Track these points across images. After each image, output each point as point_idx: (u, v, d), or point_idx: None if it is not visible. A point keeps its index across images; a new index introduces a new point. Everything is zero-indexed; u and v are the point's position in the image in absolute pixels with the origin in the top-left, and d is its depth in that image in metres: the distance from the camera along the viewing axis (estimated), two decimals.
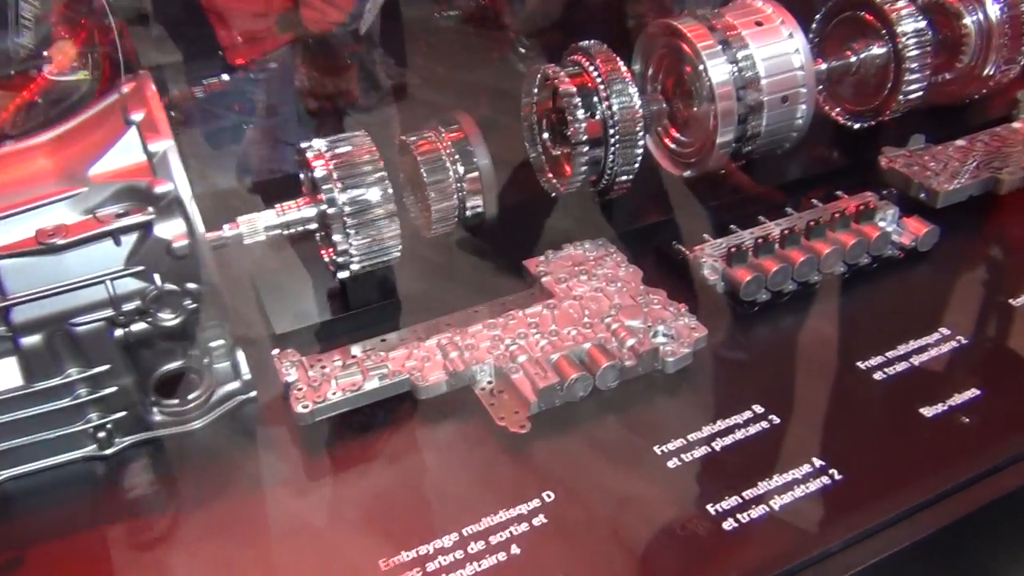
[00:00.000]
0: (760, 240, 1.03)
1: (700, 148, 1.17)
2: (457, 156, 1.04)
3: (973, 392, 0.91)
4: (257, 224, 1.00)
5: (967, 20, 1.29)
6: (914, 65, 1.21)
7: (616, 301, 1.00)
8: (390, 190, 0.98)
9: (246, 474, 0.89)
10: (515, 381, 0.91)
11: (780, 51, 1.12)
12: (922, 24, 1.21)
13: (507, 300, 1.05)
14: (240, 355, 0.96)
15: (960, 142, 1.25)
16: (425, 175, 1.03)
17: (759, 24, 1.14)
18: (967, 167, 1.19)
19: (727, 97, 1.10)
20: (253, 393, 0.95)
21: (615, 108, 1.06)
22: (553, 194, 1.15)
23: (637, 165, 1.10)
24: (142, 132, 0.85)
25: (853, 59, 1.26)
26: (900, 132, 1.31)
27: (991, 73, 1.30)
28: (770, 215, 1.14)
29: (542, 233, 1.19)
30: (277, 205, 1.00)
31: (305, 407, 0.89)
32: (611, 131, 1.07)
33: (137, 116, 0.86)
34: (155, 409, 0.93)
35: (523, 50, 1.56)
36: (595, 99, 1.07)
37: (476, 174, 1.04)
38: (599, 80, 1.07)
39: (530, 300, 1.04)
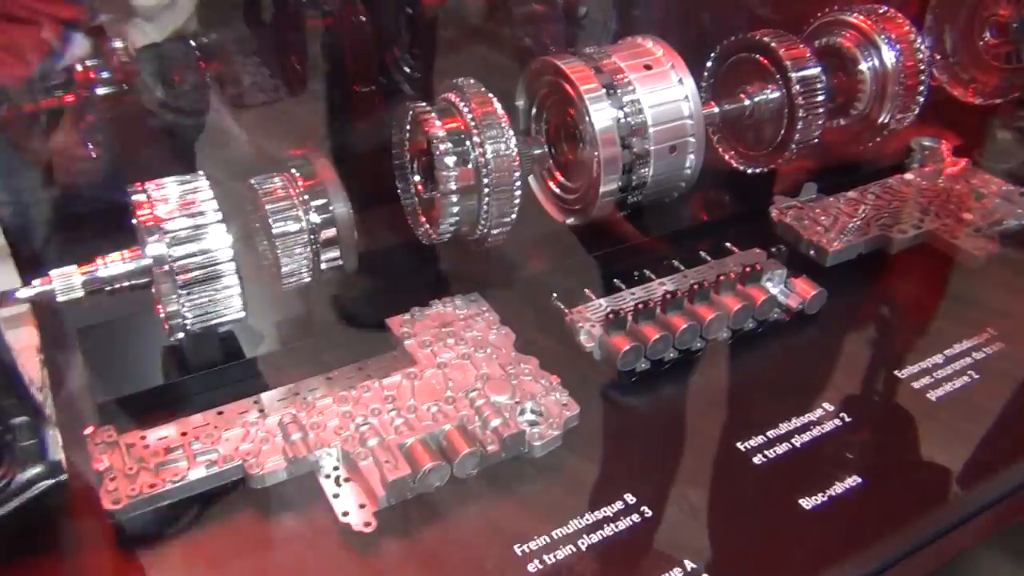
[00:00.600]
0: (640, 305, 0.96)
1: (584, 195, 1.09)
2: (311, 203, 0.94)
3: (854, 480, 0.86)
4: (73, 280, 0.87)
5: (863, 66, 1.24)
6: (807, 112, 1.16)
7: (483, 371, 0.92)
8: (229, 243, 0.87)
9: None
10: (363, 469, 0.81)
11: (669, 98, 1.05)
12: (816, 70, 1.16)
13: (365, 364, 0.95)
14: (50, 433, 0.83)
15: (851, 194, 1.21)
16: (272, 226, 0.92)
17: (648, 68, 1.06)
18: (856, 223, 1.15)
19: (611, 145, 1.02)
20: (63, 478, 0.83)
21: (489, 154, 0.96)
22: (424, 242, 1.06)
23: (514, 215, 1.02)
24: None
25: (747, 103, 1.20)
26: (797, 179, 1.27)
27: (886, 121, 1.26)
28: (658, 267, 1.07)
29: (414, 285, 1.09)
30: (100, 258, 0.88)
31: (116, 502, 0.78)
32: (484, 179, 0.97)
33: None
34: None
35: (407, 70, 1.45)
36: (467, 143, 0.97)
37: (332, 227, 0.94)
38: (472, 122, 0.97)
39: (391, 366, 0.94)
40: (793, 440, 0.90)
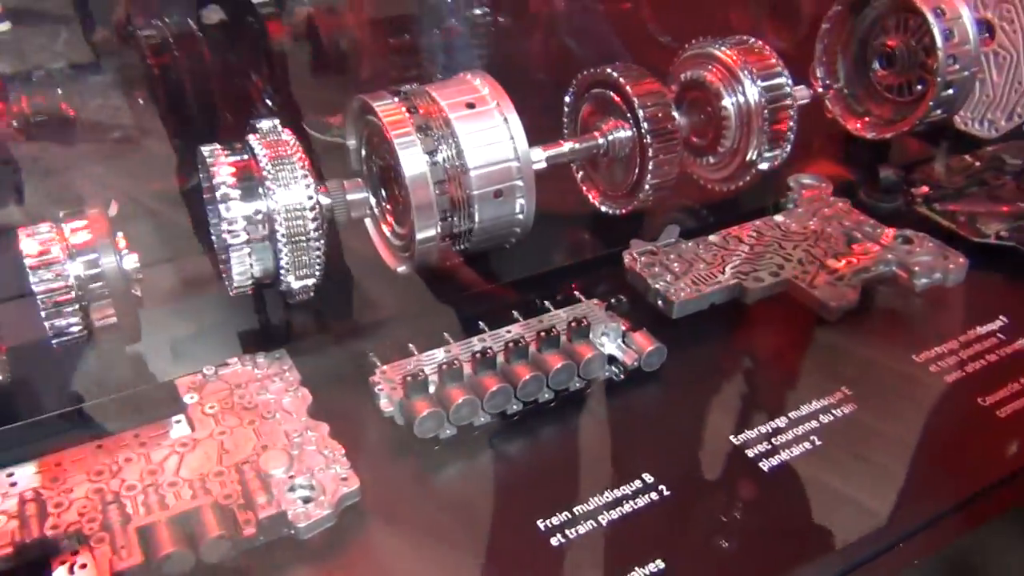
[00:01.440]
0: (447, 365, 0.88)
1: (409, 242, 1.02)
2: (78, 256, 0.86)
3: (656, 566, 0.77)
4: None
5: (726, 102, 1.17)
6: (658, 151, 1.09)
7: (263, 441, 0.84)
8: None
9: None
10: (97, 557, 0.73)
11: (492, 139, 0.98)
12: (665, 107, 1.09)
13: (143, 431, 0.87)
14: None
15: (713, 238, 1.13)
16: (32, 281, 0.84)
17: (471, 107, 0.99)
18: (712, 269, 1.07)
19: (423, 189, 0.94)
20: None
21: (279, 202, 0.89)
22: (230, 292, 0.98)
23: (318, 267, 0.94)
24: None
25: (600, 141, 1.13)
26: (665, 220, 1.19)
27: (754, 158, 1.18)
28: (495, 318, 0.99)
29: (229, 338, 1.01)
30: None
31: None
32: (277, 228, 0.90)
33: None
34: None
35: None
36: (259, 190, 0.90)
37: (100, 282, 0.86)
38: (265, 167, 0.90)
39: (171, 433, 0.86)
40: (600, 518, 0.81)
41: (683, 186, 1.26)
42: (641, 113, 1.08)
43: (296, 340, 1.00)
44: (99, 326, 0.88)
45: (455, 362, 0.89)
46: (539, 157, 1.07)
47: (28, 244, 0.85)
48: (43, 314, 0.85)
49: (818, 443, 0.90)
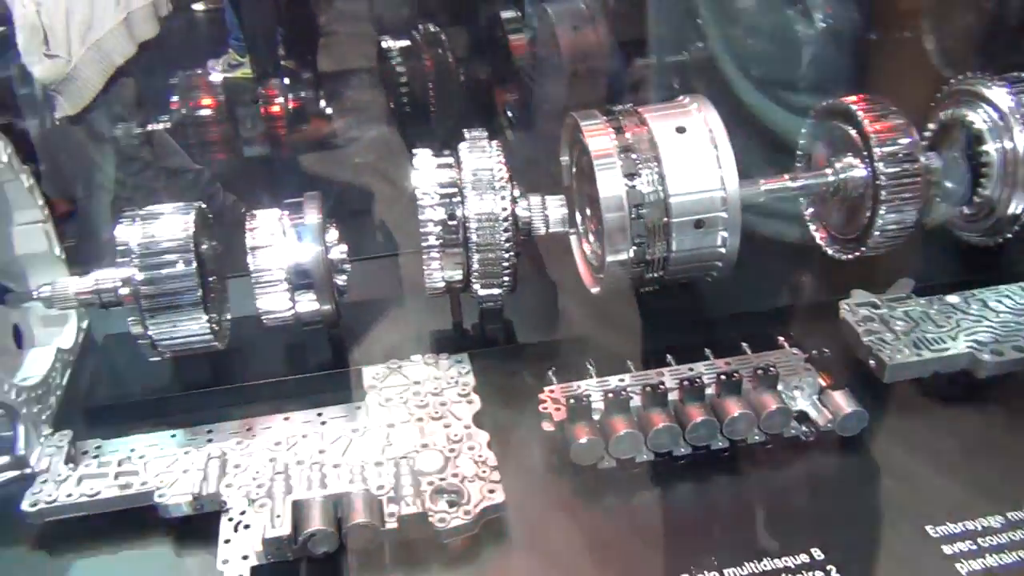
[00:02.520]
0: (614, 394, 0.85)
1: (602, 264, 1.00)
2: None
3: None
4: (68, 289, 0.93)
5: (989, 147, 1.03)
6: (894, 195, 0.98)
7: (425, 440, 0.86)
8: (192, 274, 0.89)
9: None
10: (256, 520, 0.79)
11: (698, 167, 0.93)
12: (907, 147, 0.98)
13: (327, 412, 0.93)
14: (20, 428, 0.89)
15: (952, 298, 1.00)
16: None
17: (681, 131, 0.95)
18: (942, 333, 0.94)
19: (616, 212, 0.92)
20: (28, 471, 0.89)
21: (472, 210, 0.91)
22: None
23: (506, 280, 0.95)
24: None
25: (831, 178, 1.04)
26: (901, 271, 1.07)
27: (1017, 213, 1.03)
28: (686, 353, 0.94)
29: (416, 334, 1.05)
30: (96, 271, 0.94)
31: (33, 504, 0.81)
32: (470, 235, 0.92)
33: None
34: None
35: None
36: (457, 196, 0.93)
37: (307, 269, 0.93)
38: (464, 176, 0.93)
39: (350, 419, 0.91)
40: None
41: (932, 236, 1.14)
42: (877, 152, 0.98)
43: (483, 346, 1.02)
44: (303, 311, 0.95)
45: (624, 392, 0.86)
46: (752, 190, 1.01)
47: (252, 226, 0.94)
48: (256, 292, 0.93)
49: None
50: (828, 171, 1.05)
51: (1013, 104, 1.02)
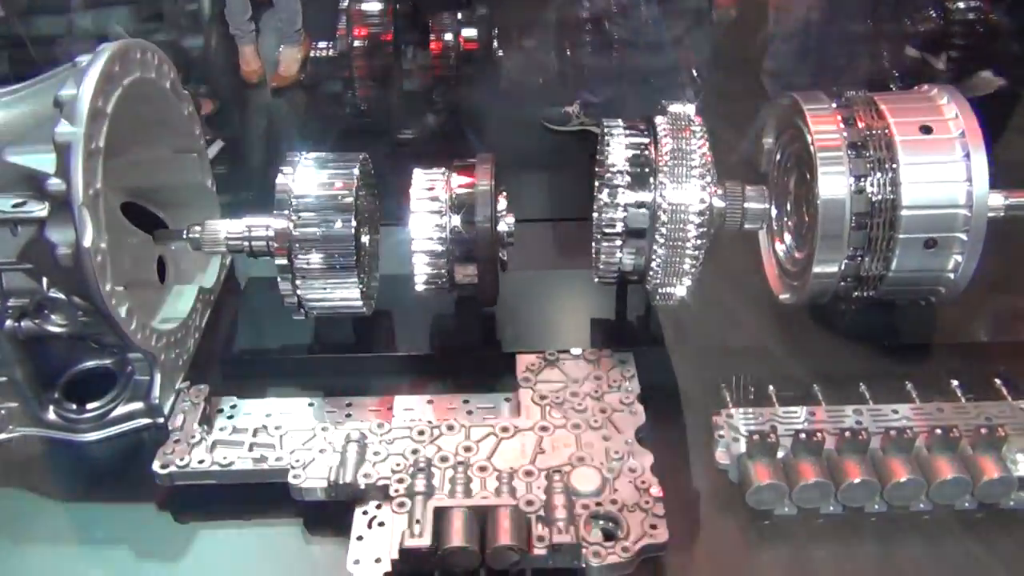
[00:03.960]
0: (807, 435, 0.74)
1: (803, 271, 0.87)
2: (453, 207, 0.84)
3: None
4: (219, 233, 0.88)
5: None
6: None
7: (582, 452, 0.77)
8: (350, 237, 0.82)
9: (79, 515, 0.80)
10: (392, 522, 0.72)
11: (941, 176, 0.79)
12: None
13: (473, 399, 0.85)
14: (158, 376, 0.85)
15: None
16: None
17: (926, 131, 0.80)
18: None
19: (835, 220, 0.79)
20: (160, 420, 0.85)
21: (666, 200, 0.79)
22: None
23: (688, 277, 0.83)
24: (64, 114, 0.75)
25: None
26: None
27: None
28: (884, 386, 0.82)
29: (580, 321, 0.95)
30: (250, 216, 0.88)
31: (164, 467, 0.77)
32: (658, 228, 0.81)
33: (67, 93, 0.75)
34: (51, 408, 0.85)
35: None
36: (651, 181, 0.81)
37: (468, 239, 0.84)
38: (661, 156, 0.81)
39: (496, 410, 0.83)
40: None
41: None
42: None
43: (650, 345, 0.92)
44: (460, 282, 0.87)
45: (818, 434, 0.74)
46: (998, 204, 0.86)
47: (417, 184, 0.85)
48: (412, 257, 0.85)
49: None
50: None
51: None
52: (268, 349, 0.94)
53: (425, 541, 0.69)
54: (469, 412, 0.83)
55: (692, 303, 0.89)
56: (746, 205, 0.86)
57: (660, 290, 0.85)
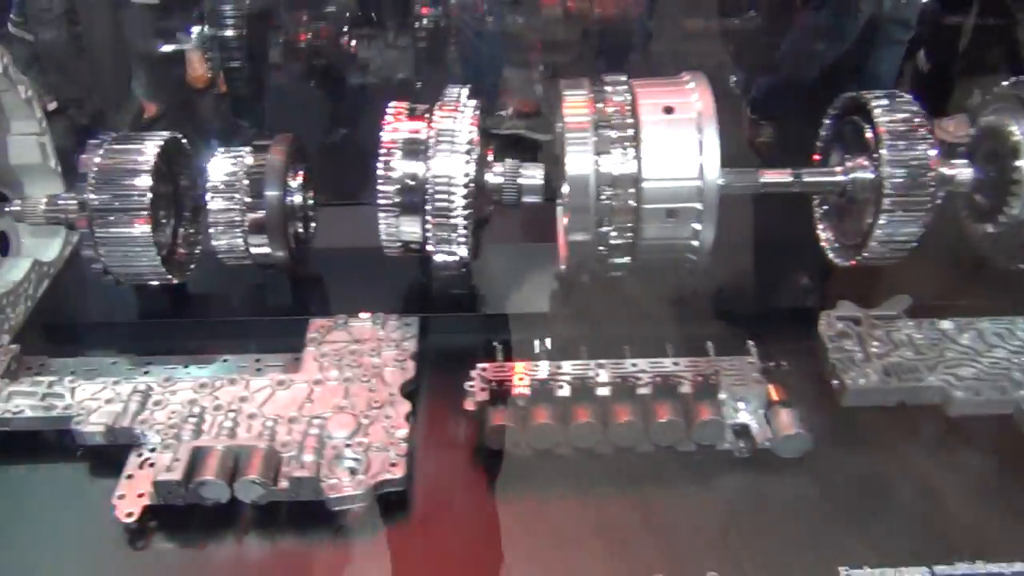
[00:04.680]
0: (542, 383, 0.81)
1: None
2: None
3: None
4: (38, 206, 0.95)
5: (1021, 162, 0.92)
6: (897, 203, 0.89)
7: (344, 403, 0.84)
8: (145, 206, 0.89)
9: None
10: (158, 460, 0.79)
11: (678, 152, 0.86)
12: (921, 150, 0.89)
13: (265, 358, 0.92)
14: None
15: (946, 324, 0.91)
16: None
17: (668, 111, 0.88)
18: (920, 361, 0.86)
19: (581, 193, 0.87)
20: None
21: (432, 171, 0.88)
22: None
23: (461, 247, 0.91)
24: None
25: (839, 178, 0.96)
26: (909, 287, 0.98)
27: None
28: (649, 346, 0.89)
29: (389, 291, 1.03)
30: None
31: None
32: (426, 199, 0.89)
33: None
34: None
35: None
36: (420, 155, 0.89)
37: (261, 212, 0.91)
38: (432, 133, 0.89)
39: (285, 367, 0.91)
40: None
41: (957, 254, 1.04)
42: (886, 155, 0.89)
43: (445, 311, 0.99)
44: (256, 253, 0.94)
45: (552, 381, 0.82)
46: (749, 182, 0.94)
47: (215, 165, 0.93)
48: (211, 231, 0.93)
49: None
50: (838, 170, 0.97)
51: None
52: (91, 315, 1.01)
53: (176, 476, 0.76)
54: (258, 369, 0.91)
55: (488, 272, 0.97)
56: (520, 180, 0.94)
57: (436, 258, 0.93)
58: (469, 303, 1.01)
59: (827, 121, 1.01)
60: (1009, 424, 0.83)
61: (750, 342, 0.90)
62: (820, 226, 1.04)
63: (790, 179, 0.96)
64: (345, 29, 1.34)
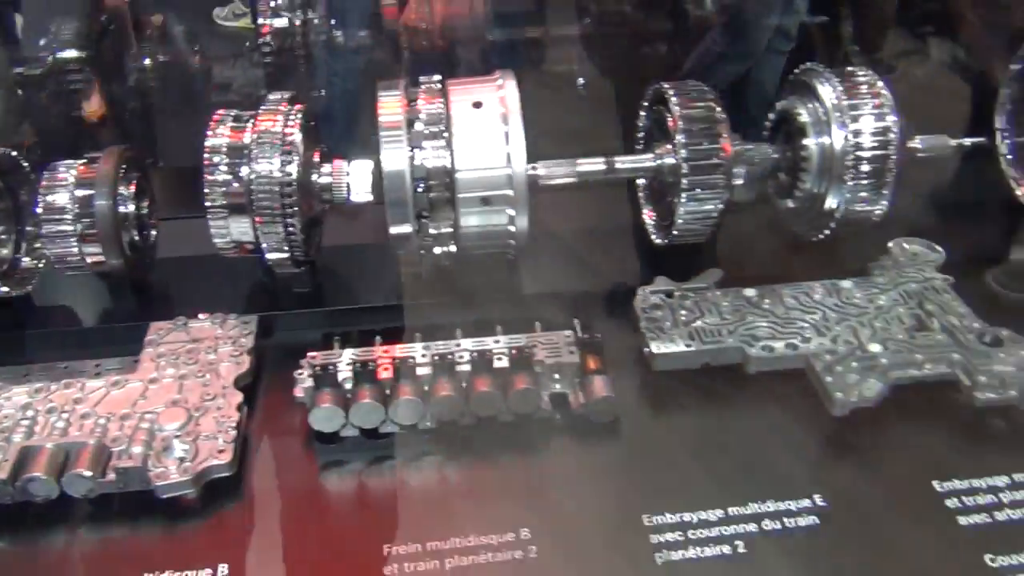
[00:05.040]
0: (362, 365, 0.86)
1: None
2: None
3: None
4: None
5: (809, 141, 1.01)
6: (694, 185, 0.96)
7: (181, 396, 0.87)
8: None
9: None
10: None
11: (487, 143, 0.92)
12: (711, 135, 0.96)
13: (104, 362, 0.94)
14: None
15: (749, 291, 0.98)
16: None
17: (477, 106, 0.94)
18: (722, 326, 0.93)
19: (397, 188, 0.92)
20: None
21: (255, 173, 0.92)
22: None
23: (293, 246, 0.95)
24: None
25: (649, 163, 1.03)
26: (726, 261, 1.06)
27: (834, 207, 1.00)
28: (479, 329, 0.94)
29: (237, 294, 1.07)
30: None
31: None
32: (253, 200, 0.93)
33: None
34: None
35: None
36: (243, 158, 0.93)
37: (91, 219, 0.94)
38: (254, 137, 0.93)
39: (122, 369, 0.93)
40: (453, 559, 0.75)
41: (768, 227, 1.13)
42: (680, 139, 0.96)
43: (291, 309, 1.03)
44: (91, 262, 0.97)
45: (370, 363, 0.86)
46: (566, 170, 1.00)
47: (47, 178, 0.96)
48: (45, 242, 0.95)
49: (742, 551, 0.76)
50: (648, 156, 1.04)
51: (835, 100, 0.99)
52: None
53: (2, 475, 0.78)
54: (97, 374, 0.93)
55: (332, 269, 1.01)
56: (348, 180, 0.99)
57: (270, 257, 0.96)
58: (312, 300, 1.05)
59: (642, 112, 1.09)
60: (803, 377, 0.91)
61: (575, 319, 0.96)
62: (644, 209, 1.12)
63: (604, 167, 1.03)
64: (196, 48, 1.37)
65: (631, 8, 1.51)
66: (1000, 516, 0.77)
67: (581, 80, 1.52)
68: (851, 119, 0.97)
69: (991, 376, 0.86)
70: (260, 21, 1.30)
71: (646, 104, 1.08)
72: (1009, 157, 1.16)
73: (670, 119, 1.00)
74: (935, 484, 0.80)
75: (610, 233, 1.21)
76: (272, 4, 1.28)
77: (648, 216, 1.10)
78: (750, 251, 1.16)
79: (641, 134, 1.10)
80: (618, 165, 1.03)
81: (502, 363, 0.87)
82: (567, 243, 1.21)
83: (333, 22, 1.35)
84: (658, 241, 1.07)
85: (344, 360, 0.88)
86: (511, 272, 1.08)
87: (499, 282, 1.07)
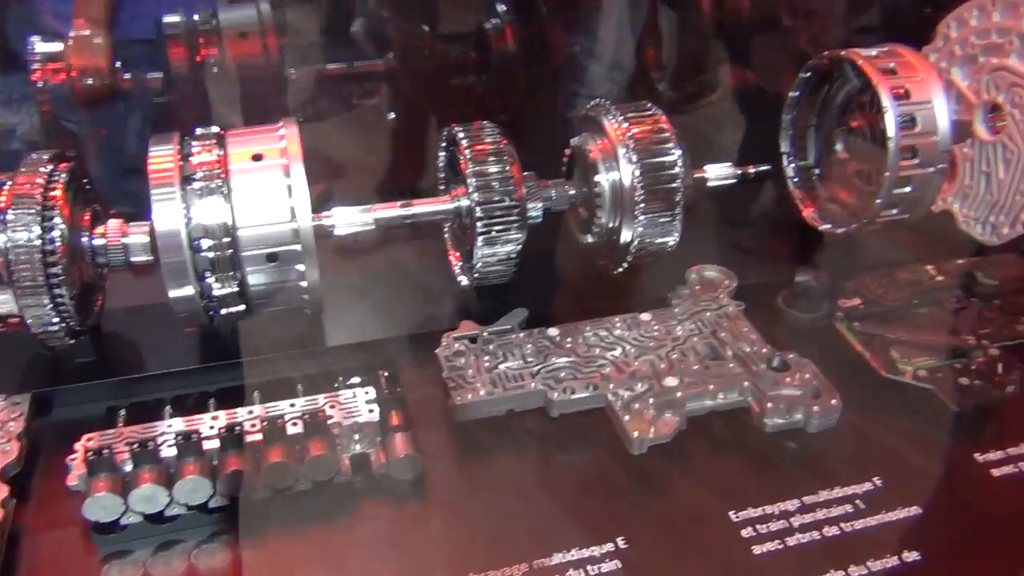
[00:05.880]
0: (140, 445, 0.80)
1: None
2: None
3: None
4: None
5: (601, 177, 1.02)
6: (486, 226, 0.96)
7: None
8: None
9: None
10: None
11: (269, 197, 0.88)
12: (500, 176, 0.96)
13: None
14: None
15: (553, 331, 0.98)
16: None
17: (257, 159, 0.90)
18: (524, 370, 0.93)
19: (172, 248, 0.86)
20: None
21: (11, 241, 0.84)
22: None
23: (65, 318, 0.88)
24: None
25: (448, 206, 1.01)
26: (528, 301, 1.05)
27: (628, 240, 1.02)
28: (278, 392, 0.90)
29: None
30: None
31: None
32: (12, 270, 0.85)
33: None
34: None
35: None
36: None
37: None
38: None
39: None
40: None
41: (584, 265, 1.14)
42: (472, 182, 0.95)
43: (76, 381, 0.95)
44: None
45: (150, 442, 0.80)
46: (362, 217, 0.97)
47: None
48: None
49: None
50: (446, 199, 1.02)
51: (621, 135, 1.00)
52: None
53: None
54: None
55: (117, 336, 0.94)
56: (126, 241, 0.92)
57: (33, 330, 0.89)
58: (95, 370, 0.97)
59: (440, 153, 1.07)
60: (605, 415, 0.91)
61: (381, 372, 0.93)
62: (449, 251, 1.10)
63: (401, 212, 1.00)
64: None
65: (436, 41, 1.50)
66: (791, 541, 0.80)
67: (392, 114, 1.51)
68: (636, 154, 0.99)
69: (778, 401, 0.89)
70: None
71: (442, 145, 1.07)
72: (795, 180, 1.21)
73: (461, 161, 0.99)
74: (731, 515, 0.82)
75: (425, 273, 1.19)
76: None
77: (454, 258, 1.09)
78: (560, 287, 1.16)
79: (442, 175, 1.09)
80: (415, 209, 1.01)
81: (297, 428, 0.84)
82: (379, 286, 1.18)
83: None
84: (465, 283, 1.06)
85: (122, 440, 0.82)
86: (314, 324, 1.04)
87: (303, 336, 1.03)
